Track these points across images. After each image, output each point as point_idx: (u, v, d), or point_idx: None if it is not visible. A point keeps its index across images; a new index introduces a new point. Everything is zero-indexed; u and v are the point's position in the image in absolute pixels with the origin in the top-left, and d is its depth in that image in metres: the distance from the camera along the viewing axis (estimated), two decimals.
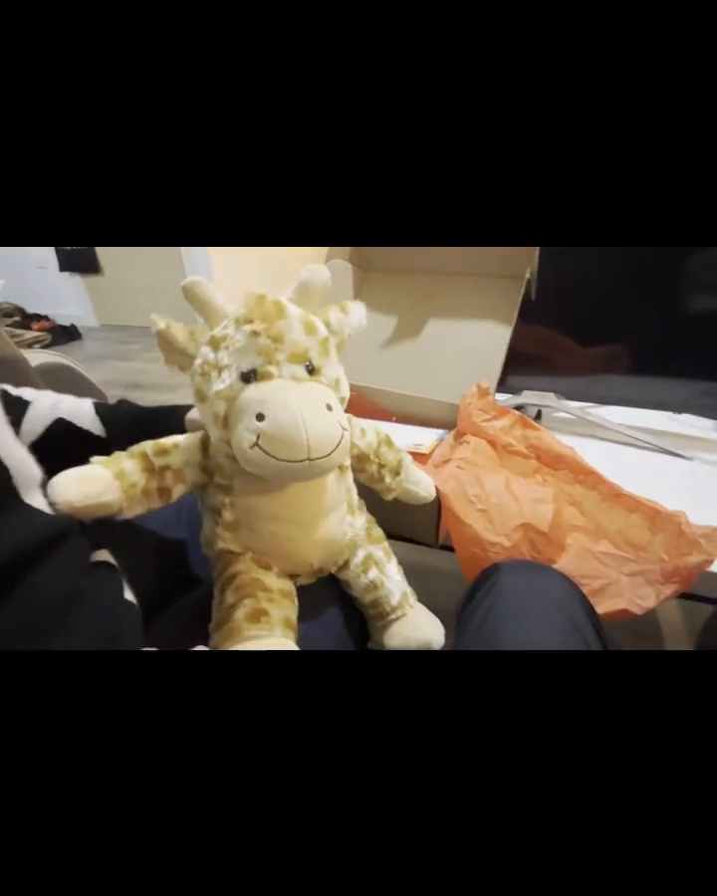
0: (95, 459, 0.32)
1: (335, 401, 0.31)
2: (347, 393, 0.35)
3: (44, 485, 0.28)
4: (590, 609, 0.39)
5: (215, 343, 0.31)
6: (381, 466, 0.42)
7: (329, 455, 0.29)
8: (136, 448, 0.34)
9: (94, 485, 0.30)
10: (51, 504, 0.28)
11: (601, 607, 0.46)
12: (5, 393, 0.39)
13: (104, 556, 0.31)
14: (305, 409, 0.29)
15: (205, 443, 0.35)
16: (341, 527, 0.39)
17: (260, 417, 0.28)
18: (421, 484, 0.45)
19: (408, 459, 0.44)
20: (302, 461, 0.29)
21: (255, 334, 0.29)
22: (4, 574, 0.22)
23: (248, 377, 0.30)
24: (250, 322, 0.30)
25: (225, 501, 0.36)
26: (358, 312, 0.35)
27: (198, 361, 0.32)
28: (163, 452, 0.34)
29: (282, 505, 0.35)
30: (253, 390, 0.29)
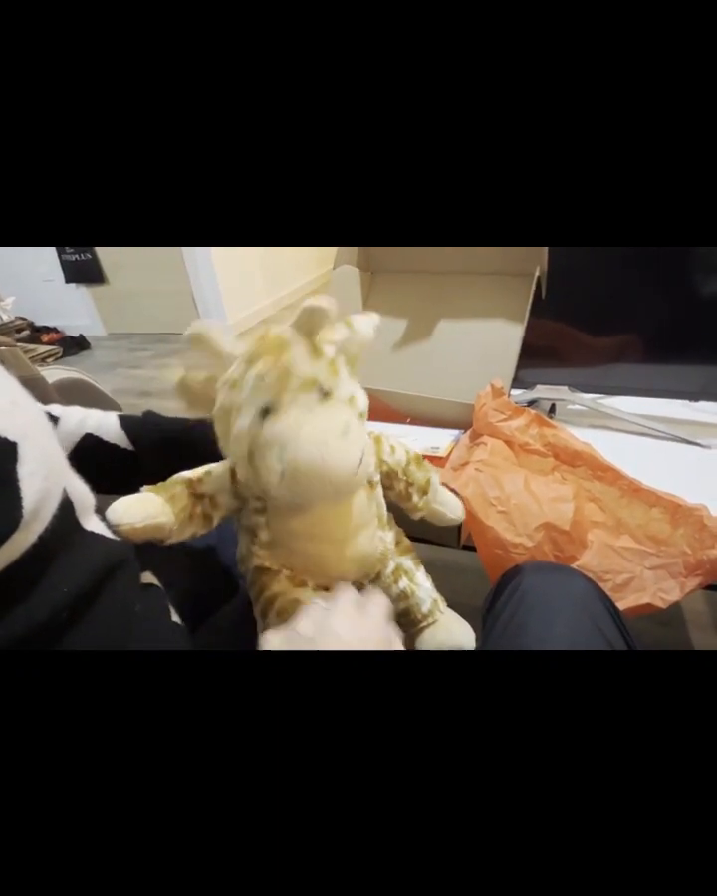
0: (145, 488, 0.34)
1: (352, 420, 0.32)
2: (365, 407, 0.35)
3: (97, 509, 0.29)
4: (613, 608, 0.39)
5: (229, 385, 0.32)
6: (409, 484, 0.42)
7: (350, 480, 0.31)
8: (179, 476, 0.36)
9: (151, 507, 0.32)
10: (112, 526, 0.30)
11: (625, 602, 0.46)
12: (49, 415, 0.40)
13: (149, 578, 0.32)
14: (321, 441, 0.30)
15: (234, 471, 0.37)
16: (373, 542, 0.40)
17: (280, 455, 0.30)
18: (448, 505, 0.45)
19: (437, 479, 0.44)
20: (327, 482, 0.30)
21: (262, 375, 0.30)
22: (77, 602, 0.24)
23: (265, 413, 0.31)
24: (257, 361, 0.31)
25: (260, 521, 0.37)
26: (365, 325, 0.35)
27: (218, 404, 0.33)
28: (199, 480, 0.36)
29: (316, 524, 0.36)
30: (269, 427, 0.30)
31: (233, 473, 0.37)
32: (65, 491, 0.25)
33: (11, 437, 0.21)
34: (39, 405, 0.27)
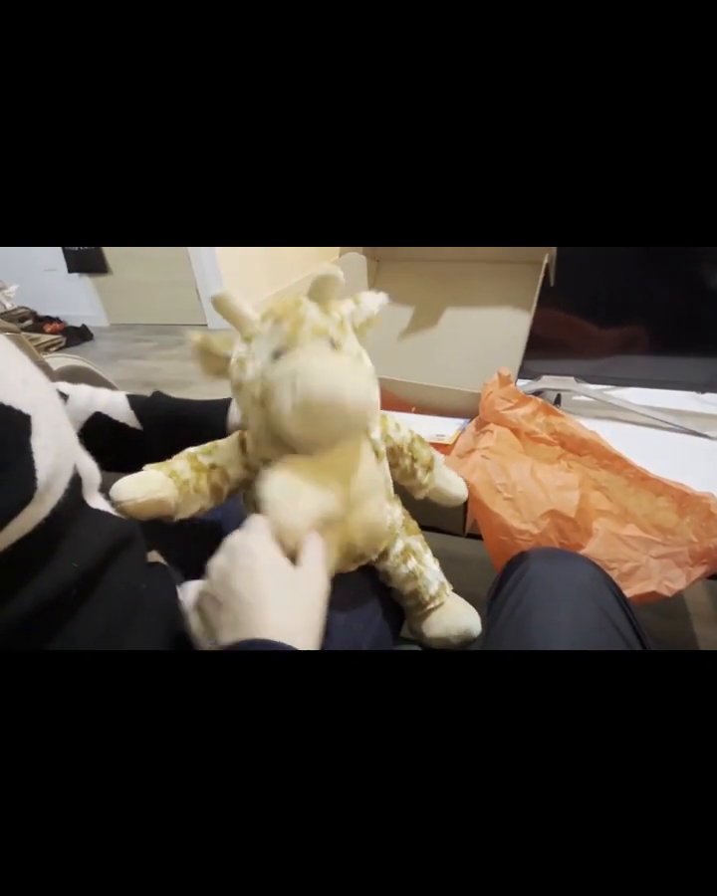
0: (147, 466, 0.35)
1: (360, 367, 0.34)
2: (371, 370, 0.36)
3: (101, 488, 0.30)
4: (619, 594, 0.39)
5: (246, 339, 0.34)
6: (414, 460, 0.43)
7: (362, 403, 0.31)
8: (183, 452, 0.37)
9: (151, 483, 0.33)
10: (114, 504, 0.30)
11: (631, 591, 0.46)
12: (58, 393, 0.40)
13: (155, 556, 0.32)
14: (332, 371, 0.31)
15: (242, 441, 0.37)
16: (381, 511, 0.40)
17: (293, 384, 0.30)
18: (453, 483, 0.46)
19: (440, 458, 0.45)
20: (339, 412, 0.30)
21: (278, 320, 0.32)
22: (85, 579, 0.24)
23: (277, 355, 0.32)
24: (272, 313, 0.33)
25: None
26: (371, 300, 0.37)
27: (233, 358, 0.35)
28: (208, 452, 0.37)
29: None
30: (282, 362, 0.31)
31: (242, 444, 0.37)
32: (75, 467, 0.25)
33: (24, 410, 0.21)
34: (50, 383, 0.27)
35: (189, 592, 0.30)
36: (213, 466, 0.36)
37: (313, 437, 0.33)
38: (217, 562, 0.29)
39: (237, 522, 0.42)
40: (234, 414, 0.44)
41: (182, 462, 0.36)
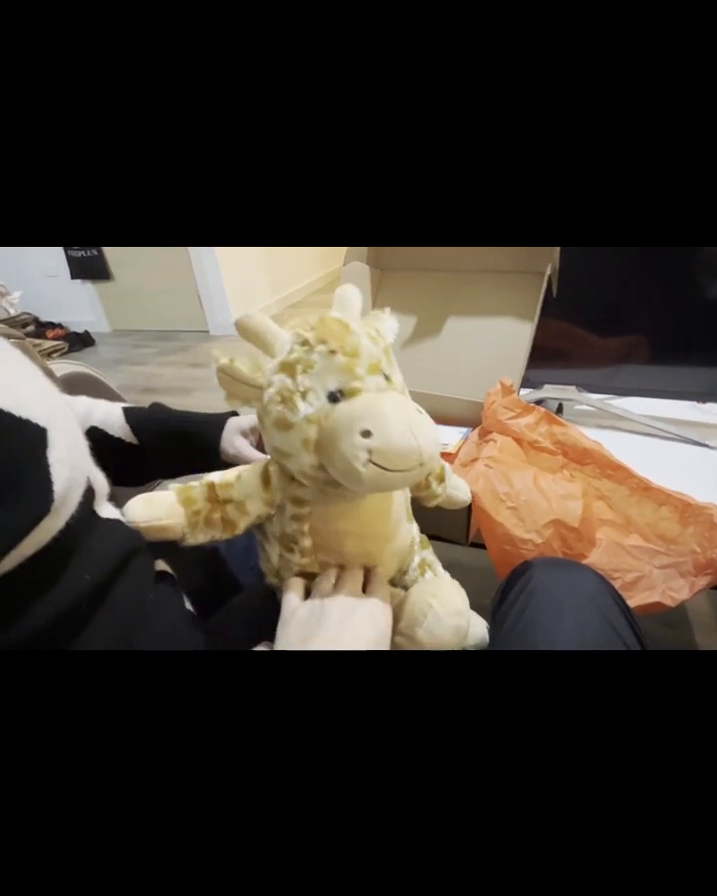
0: (171, 485, 0.34)
1: (420, 410, 0.31)
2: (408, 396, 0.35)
3: (110, 497, 0.30)
4: (623, 604, 0.39)
5: (289, 369, 0.30)
6: (428, 472, 0.42)
7: (434, 447, 0.29)
8: (207, 477, 0.35)
9: (158, 508, 0.32)
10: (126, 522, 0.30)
11: (634, 601, 0.46)
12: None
13: (161, 565, 0.32)
14: (406, 417, 0.29)
15: (266, 476, 0.35)
16: (407, 535, 0.40)
17: (366, 434, 0.28)
18: (460, 488, 0.47)
19: (449, 466, 0.45)
20: (414, 468, 0.28)
21: (332, 352, 0.29)
22: (97, 590, 0.24)
23: (335, 397, 0.29)
24: (323, 342, 0.30)
25: (301, 528, 0.35)
26: (388, 327, 0.35)
27: (273, 390, 0.31)
28: (227, 485, 0.35)
29: (364, 523, 0.36)
30: (346, 408, 0.29)
31: (264, 479, 0.35)
32: (88, 478, 0.25)
33: (41, 423, 0.21)
34: (62, 395, 0.27)
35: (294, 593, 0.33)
36: (229, 500, 0.34)
37: (379, 489, 0.31)
38: (347, 602, 0.31)
39: (237, 547, 0.41)
40: (231, 430, 0.43)
41: (199, 489, 0.34)
